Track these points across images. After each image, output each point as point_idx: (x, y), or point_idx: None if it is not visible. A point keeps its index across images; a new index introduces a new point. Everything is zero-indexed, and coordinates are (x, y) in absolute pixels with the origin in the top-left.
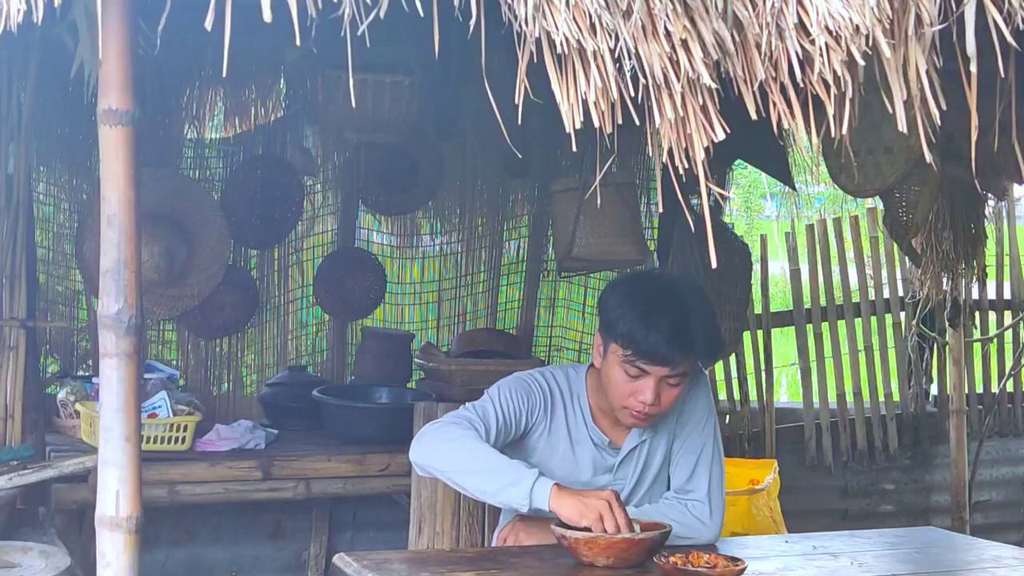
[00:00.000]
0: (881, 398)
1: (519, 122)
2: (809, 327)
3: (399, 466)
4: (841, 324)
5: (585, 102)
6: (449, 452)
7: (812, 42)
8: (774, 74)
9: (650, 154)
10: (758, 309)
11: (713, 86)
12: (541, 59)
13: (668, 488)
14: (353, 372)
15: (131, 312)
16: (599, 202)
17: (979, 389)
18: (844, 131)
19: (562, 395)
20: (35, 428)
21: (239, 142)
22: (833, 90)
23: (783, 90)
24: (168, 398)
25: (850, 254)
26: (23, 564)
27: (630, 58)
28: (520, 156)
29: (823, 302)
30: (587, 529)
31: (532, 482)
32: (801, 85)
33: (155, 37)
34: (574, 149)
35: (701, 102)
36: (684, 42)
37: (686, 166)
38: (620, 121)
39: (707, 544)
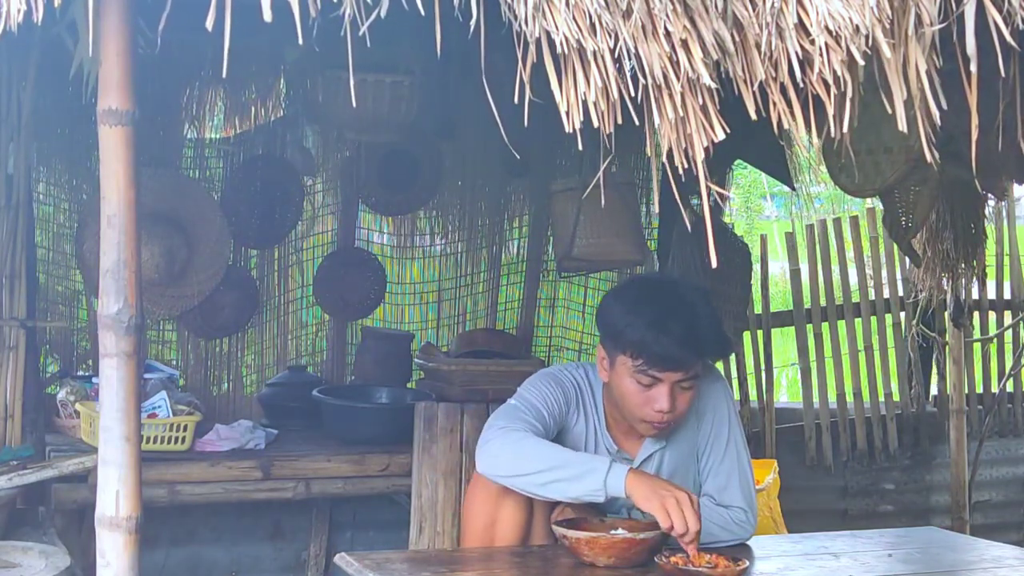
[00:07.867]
0: (881, 398)
1: (526, 123)
2: (809, 327)
3: (399, 466)
4: (841, 324)
5: (585, 102)
6: (514, 457)
7: (812, 42)
8: (774, 74)
9: (649, 154)
10: (758, 309)
11: (713, 86)
12: (541, 59)
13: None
14: (353, 372)
15: (131, 312)
16: (601, 202)
17: (979, 389)
18: (844, 131)
19: (581, 396)
20: (35, 428)
21: (239, 142)
22: (833, 90)
23: (783, 90)
24: (168, 398)
25: (850, 254)
26: (23, 564)
27: (630, 58)
28: (518, 157)
29: (823, 302)
30: (600, 529)
31: (606, 469)
32: (801, 85)
33: (155, 37)
34: (580, 148)
35: (701, 102)
36: (684, 42)
37: (686, 166)
38: (620, 121)
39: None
